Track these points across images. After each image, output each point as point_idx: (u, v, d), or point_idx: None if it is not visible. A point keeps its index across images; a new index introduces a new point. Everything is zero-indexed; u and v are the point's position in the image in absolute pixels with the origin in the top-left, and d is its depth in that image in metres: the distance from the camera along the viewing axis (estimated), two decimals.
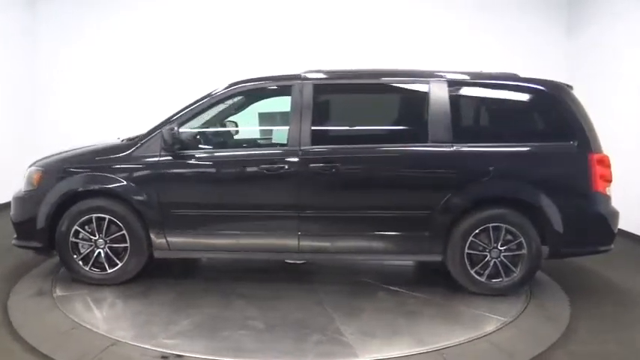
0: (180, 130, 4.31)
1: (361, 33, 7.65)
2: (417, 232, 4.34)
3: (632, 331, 3.94)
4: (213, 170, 4.39)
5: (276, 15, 7.73)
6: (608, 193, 4.41)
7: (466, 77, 4.57)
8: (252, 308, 4.04)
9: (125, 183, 4.33)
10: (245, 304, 4.11)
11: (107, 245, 4.40)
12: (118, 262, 4.40)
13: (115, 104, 7.89)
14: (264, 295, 4.33)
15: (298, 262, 5.01)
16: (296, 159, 4.27)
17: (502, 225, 4.32)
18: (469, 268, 4.36)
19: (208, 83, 4.71)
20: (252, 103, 4.86)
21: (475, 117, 4.61)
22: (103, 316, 3.99)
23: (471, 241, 4.33)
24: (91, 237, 4.39)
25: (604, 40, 7.03)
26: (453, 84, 4.42)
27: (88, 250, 4.41)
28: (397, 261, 5.16)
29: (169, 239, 4.39)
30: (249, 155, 4.52)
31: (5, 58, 7.57)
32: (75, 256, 4.40)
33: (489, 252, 4.35)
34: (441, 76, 4.43)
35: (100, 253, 4.40)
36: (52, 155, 4.68)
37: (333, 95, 4.68)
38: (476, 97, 4.61)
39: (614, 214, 4.44)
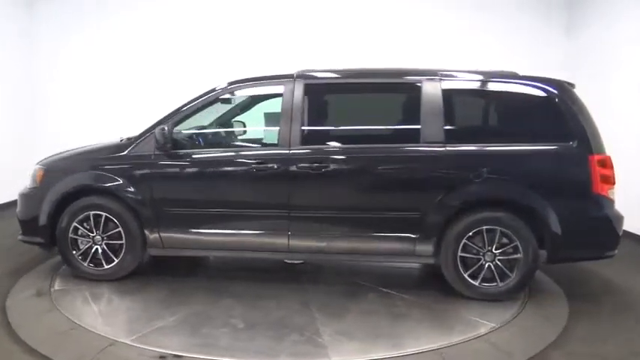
0: (174, 129, 4.40)
1: (361, 33, 7.58)
2: (408, 234, 4.26)
3: (630, 331, 3.86)
4: (204, 169, 4.44)
5: (275, 14, 7.69)
6: (610, 196, 4.21)
7: (461, 76, 4.46)
8: (238, 306, 4.07)
9: (121, 181, 4.44)
10: (232, 303, 4.15)
11: (104, 242, 4.52)
12: (114, 258, 4.52)
13: (114, 104, 7.89)
14: (254, 293, 4.35)
15: (296, 262, 5.02)
16: (285, 159, 4.28)
17: (496, 228, 4.20)
18: (462, 271, 4.26)
19: (208, 83, 4.73)
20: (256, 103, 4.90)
21: (469, 116, 4.49)
22: (98, 314, 4.04)
23: (465, 244, 4.23)
24: (89, 234, 4.53)
25: (604, 38, 6.90)
26: (447, 83, 4.32)
27: (86, 247, 4.54)
28: (397, 263, 5.05)
29: (163, 237, 4.47)
30: (239, 155, 4.55)
31: (4, 58, 7.58)
32: (74, 252, 4.55)
33: (483, 255, 4.24)
34: (435, 75, 4.34)
35: (97, 249, 4.53)
36: (56, 154, 4.85)
37: (325, 95, 4.65)
38: (470, 96, 4.50)
39: (618, 218, 4.24)
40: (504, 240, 4.23)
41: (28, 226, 4.65)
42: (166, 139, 4.30)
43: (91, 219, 4.50)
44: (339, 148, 4.37)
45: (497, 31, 7.55)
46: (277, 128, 4.37)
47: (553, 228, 4.16)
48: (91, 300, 4.27)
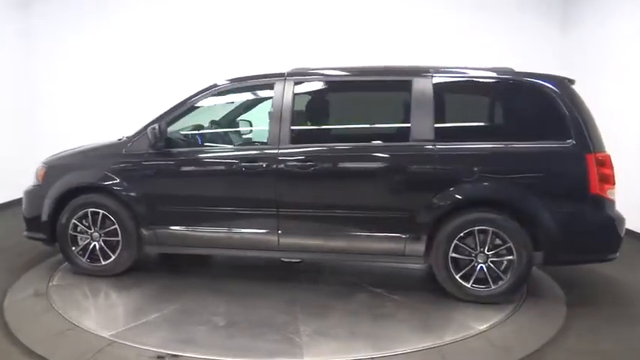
0: (167, 128, 4.47)
1: (359, 32, 7.52)
2: (398, 234, 4.20)
3: (628, 328, 3.83)
4: (195, 168, 4.50)
5: (275, 14, 7.66)
6: (610, 197, 4.04)
7: (454, 72, 4.35)
8: (224, 304, 4.10)
9: (117, 179, 4.54)
10: (219, 300, 4.18)
11: (102, 239, 4.63)
12: (111, 254, 4.63)
13: (113, 103, 7.89)
14: (244, 291, 4.38)
15: (293, 260, 5.01)
16: (274, 158, 4.28)
17: (489, 228, 4.09)
18: (454, 272, 4.16)
19: (206, 81, 4.76)
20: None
21: (461, 114, 4.35)
22: (91, 312, 4.11)
23: (456, 244, 4.14)
24: (88, 230, 4.65)
25: (600, 34, 6.81)
26: (439, 80, 4.23)
27: (85, 243, 4.66)
28: (399, 264, 4.95)
29: (157, 234, 4.55)
30: (229, 153, 4.57)
31: (2, 59, 7.58)
32: (74, 248, 4.68)
33: (475, 257, 4.13)
34: (426, 72, 4.26)
35: (95, 245, 4.65)
36: (59, 153, 5.00)
37: (315, 93, 4.63)
38: (463, 93, 4.39)
39: (618, 220, 4.07)
40: (498, 241, 4.12)
41: (32, 222, 4.81)
42: (157, 138, 4.37)
43: (89, 216, 4.62)
44: (327, 146, 4.34)
45: (494, 29, 7.46)
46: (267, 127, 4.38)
47: (548, 229, 4.02)
48: (88, 299, 4.35)
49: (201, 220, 4.47)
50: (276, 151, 4.29)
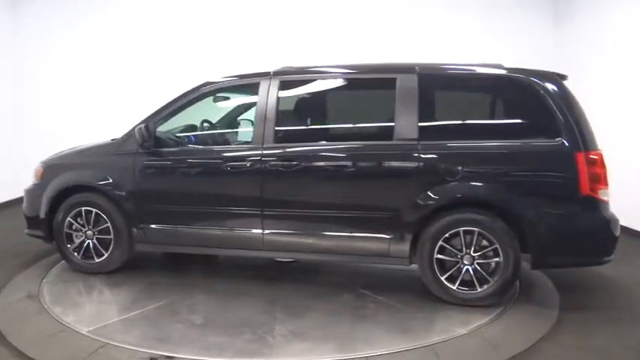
0: (157, 128, 4.53)
1: (354, 31, 7.48)
2: (382, 235, 4.14)
3: (620, 324, 3.83)
4: (181, 167, 4.52)
5: (275, 13, 7.62)
6: (603, 197, 3.87)
7: (440, 69, 4.27)
8: (205, 303, 4.14)
9: (108, 178, 4.63)
10: (202, 299, 4.22)
11: (95, 236, 4.73)
12: (104, 252, 4.72)
13: (108, 101, 7.84)
14: (229, 290, 4.40)
15: (285, 260, 4.99)
16: (258, 157, 4.28)
17: (474, 229, 3.98)
18: (439, 274, 4.07)
19: (199, 79, 4.78)
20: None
21: (447, 112, 4.24)
22: (77, 307, 4.13)
23: (442, 246, 4.05)
24: (82, 228, 4.75)
25: (592, 28, 6.78)
26: (424, 77, 4.14)
27: (80, 241, 4.77)
28: (396, 266, 4.88)
29: (146, 233, 4.61)
30: (214, 153, 4.58)
31: None
32: (69, 246, 4.79)
33: (461, 258, 4.03)
34: (412, 69, 4.17)
35: (89, 243, 4.75)
36: (58, 152, 5.13)
37: (300, 92, 4.59)
38: (449, 90, 4.29)
39: (612, 222, 3.91)
40: (485, 243, 4.01)
41: (32, 220, 4.96)
42: (144, 138, 4.42)
43: (83, 214, 4.72)
44: (310, 146, 4.31)
45: (487, 24, 7.36)
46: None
47: (536, 231, 3.90)
48: (77, 296, 4.38)
49: (187, 219, 4.50)
50: (260, 150, 4.29)
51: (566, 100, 3.93)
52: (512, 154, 3.97)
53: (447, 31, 7.43)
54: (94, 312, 4.07)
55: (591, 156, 3.83)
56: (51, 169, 4.88)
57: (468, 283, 4.04)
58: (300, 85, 4.53)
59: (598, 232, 3.93)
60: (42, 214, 4.83)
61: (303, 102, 4.58)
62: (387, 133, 4.14)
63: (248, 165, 4.30)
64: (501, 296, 4.04)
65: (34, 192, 4.92)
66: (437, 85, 4.21)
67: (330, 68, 4.50)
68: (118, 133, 5.08)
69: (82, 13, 7.93)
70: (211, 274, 4.82)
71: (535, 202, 3.90)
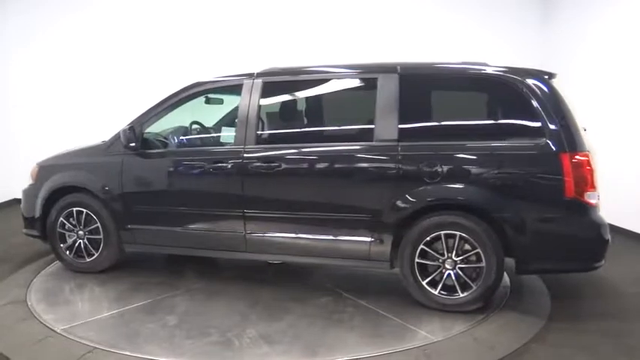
0: (144, 129, 4.58)
1: (355, 31, 7.39)
2: (362, 237, 4.06)
3: (612, 322, 3.84)
4: (166, 168, 4.53)
5: (269, 12, 7.54)
6: (590, 201, 3.69)
7: (421, 68, 4.16)
8: (183, 304, 4.14)
9: (96, 180, 4.69)
10: (182, 300, 4.22)
11: (86, 237, 4.81)
12: (94, 252, 4.80)
13: (99, 101, 7.67)
14: (212, 290, 4.41)
15: (275, 262, 4.96)
16: (239, 159, 4.26)
17: (456, 233, 3.86)
18: (420, 278, 3.97)
19: (190, 78, 4.78)
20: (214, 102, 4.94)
21: (428, 112, 4.11)
22: (59, 305, 4.16)
23: (423, 249, 3.94)
24: (74, 228, 4.84)
25: (579, 24, 6.65)
26: (406, 77, 4.04)
27: (72, 240, 4.86)
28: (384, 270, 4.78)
29: (134, 234, 4.66)
30: (197, 154, 4.58)
31: None
32: (62, 245, 4.89)
33: (443, 262, 3.92)
34: (393, 69, 4.08)
35: (80, 243, 4.83)
36: (54, 154, 5.24)
37: (282, 93, 4.55)
38: (430, 90, 4.14)
39: (600, 226, 3.71)
40: (467, 247, 3.89)
41: (28, 220, 5.08)
42: (130, 139, 4.46)
43: (75, 215, 4.81)
44: (291, 147, 4.27)
45: (477, 22, 7.22)
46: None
47: (519, 236, 3.76)
48: (63, 298, 4.38)
49: (172, 221, 4.52)
50: (241, 152, 4.27)
51: (551, 98, 3.76)
52: (495, 155, 3.82)
53: (434, 29, 7.31)
54: (74, 311, 4.10)
55: (577, 157, 3.66)
56: (45, 170, 4.99)
57: (449, 288, 3.92)
58: (282, 86, 4.48)
59: (585, 237, 3.75)
60: (37, 215, 4.94)
61: (285, 103, 4.55)
62: (367, 135, 4.06)
63: (229, 166, 4.29)
64: (484, 302, 3.90)
65: (30, 193, 5.04)
66: (419, 85, 4.08)
67: (313, 68, 4.45)
68: (113, 133, 5.16)
69: (70, 12, 7.70)
70: (199, 275, 4.81)
71: (519, 205, 3.75)
